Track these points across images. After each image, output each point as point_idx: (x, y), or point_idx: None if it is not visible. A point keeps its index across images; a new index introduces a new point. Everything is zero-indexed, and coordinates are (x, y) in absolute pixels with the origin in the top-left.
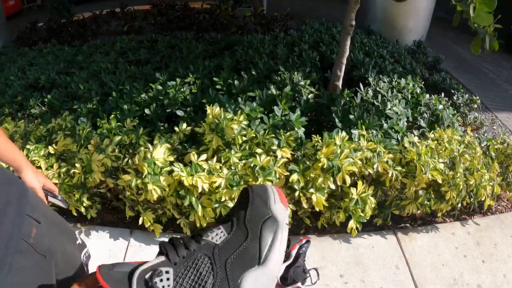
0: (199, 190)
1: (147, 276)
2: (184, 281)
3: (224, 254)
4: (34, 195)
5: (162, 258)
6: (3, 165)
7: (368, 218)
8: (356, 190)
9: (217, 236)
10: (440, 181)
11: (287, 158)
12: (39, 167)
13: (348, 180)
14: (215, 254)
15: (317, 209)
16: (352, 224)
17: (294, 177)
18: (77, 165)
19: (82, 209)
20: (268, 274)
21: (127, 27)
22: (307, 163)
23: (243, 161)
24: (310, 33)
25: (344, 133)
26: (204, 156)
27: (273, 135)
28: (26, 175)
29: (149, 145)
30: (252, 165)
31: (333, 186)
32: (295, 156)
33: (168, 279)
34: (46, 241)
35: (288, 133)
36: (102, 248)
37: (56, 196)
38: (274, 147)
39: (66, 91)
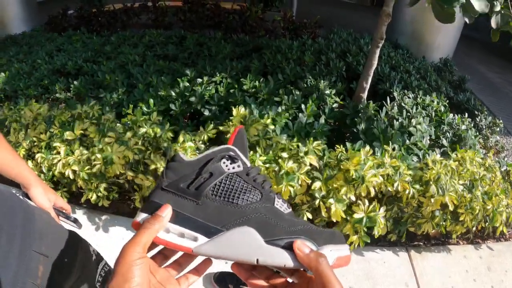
0: None
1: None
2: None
3: None
4: (41, 217)
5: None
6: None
7: (376, 237)
8: (364, 207)
9: None
10: (456, 203)
11: (312, 165)
12: (59, 153)
13: (372, 191)
14: None
15: (334, 220)
16: (353, 238)
17: (317, 184)
18: (99, 155)
19: (94, 197)
20: None
21: (158, 22)
22: (331, 172)
23: (267, 165)
24: (337, 42)
25: (368, 147)
26: None
27: (299, 143)
28: (35, 193)
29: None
30: (276, 169)
31: (353, 198)
32: (318, 165)
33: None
34: (55, 273)
35: (315, 143)
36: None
37: (69, 217)
38: (301, 154)
39: (92, 79)
